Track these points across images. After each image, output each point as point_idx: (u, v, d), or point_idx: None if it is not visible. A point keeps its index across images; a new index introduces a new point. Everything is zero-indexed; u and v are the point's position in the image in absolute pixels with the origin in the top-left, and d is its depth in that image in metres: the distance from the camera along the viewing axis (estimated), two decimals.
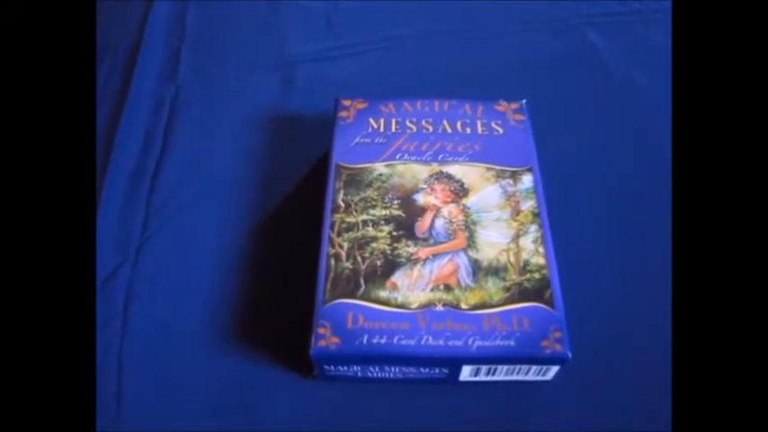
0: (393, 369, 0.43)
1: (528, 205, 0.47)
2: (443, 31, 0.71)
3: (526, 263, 0.44)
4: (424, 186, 0.48)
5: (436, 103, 0.54)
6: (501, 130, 0.52)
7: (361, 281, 0.43)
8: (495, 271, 0.44)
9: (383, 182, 0.48)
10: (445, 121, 0.52)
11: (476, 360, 0.41)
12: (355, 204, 0.47)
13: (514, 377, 0.43)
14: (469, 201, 0.47)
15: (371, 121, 0.52)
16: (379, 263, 0.44)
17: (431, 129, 0.52)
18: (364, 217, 0.46)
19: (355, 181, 0.48)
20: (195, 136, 0.61)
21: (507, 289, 0.43)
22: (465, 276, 0.44)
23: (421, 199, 0.47)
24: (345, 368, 0.42)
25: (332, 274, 0.43)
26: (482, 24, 0.71)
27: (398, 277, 0.43)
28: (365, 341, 0.40)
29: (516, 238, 0.45)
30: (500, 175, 0.49)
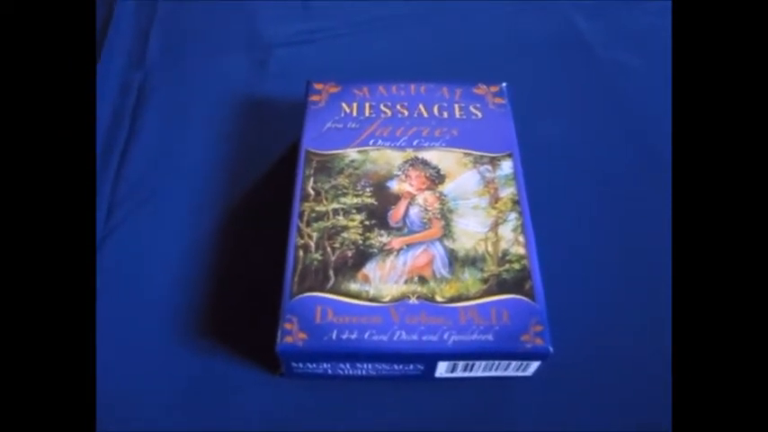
0: (365, 366, 0.41)
1: (507, 192, 0.45)
2: (422, 12, 0.68)
3: (505, 253, 0.42)
4: (399, 173, 0.46)
5: (412, 86, 0.51)
6: (480, 115, 0.50)
7: (331, 273, 0.41)
8: (473, 261, 0.42)
9: (355, 168, 0.46)
10: (421, 106, 0.50)
11: (452, 356, 0.39)
12: (326, 192, 0.45)
13: (493, 373, 0.41)
14: (446, 188, 0.45)
15: (344, 105, 0.50)
16: (349, 254, 0.42)
17: (406, 113, 0.49)
18: (335, 206, 0.44)
19: (326, 168, 0.46)
20: (164, 121, 0.58)
21: (485, 280, 0.41)
22: (440, 267, 0.41)
23: (395, 186, 0.45)
24: (314, 365, 0.40)
25: (300, 267, 0.41)
26: (462, 5, 0.69)
27: (370, 269, 0.41)
28: (334, 337, 0.38)
29: (495, 226, 0.43)
30: (478, 161, 0.47)
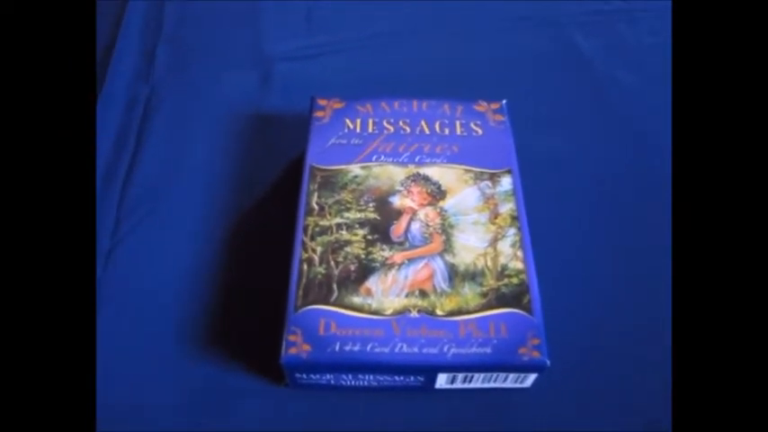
0: (367, 377, 0.41)
1: (507, 208, 0.46)
2: (425, 29, 0.69)
3: (504, 267, 0.43)
4: (401, 188, 0.47)
5: (414, 103, 0.53)
6: (480, 131, 0.51)
7: (334, 286, 0.42)
8: (472, 276, 0.43)
9: (358, 184, 0.47)
10: (423, 122, 0.51)
11: (451, 368, 0.40)
12: (329, 207, 0.46)
13: (492, 384, 0.42)
14: (447, 203, 0.46)
15: (347, 121, 0.51)
16: (352, 268, 0.43)
17: (408, 129, 0.51)
18: (338, 220, 0.45)
19: (330, 183, 0.47)
20: (169, 136, 0.59)
21: (484, 294, 0.42)
22: (441, 281, 0.42)
23: (397, 201, 0.46)
24: (318, 376, 0.41)
25: (304, 280, 0.42)
26: (464, 23, 0.70)
27: (373, 283, 0.42)
28: (337, 349, 0.39)
29: (494, 241, 0.44)
30: (478, 177, 0.48)
